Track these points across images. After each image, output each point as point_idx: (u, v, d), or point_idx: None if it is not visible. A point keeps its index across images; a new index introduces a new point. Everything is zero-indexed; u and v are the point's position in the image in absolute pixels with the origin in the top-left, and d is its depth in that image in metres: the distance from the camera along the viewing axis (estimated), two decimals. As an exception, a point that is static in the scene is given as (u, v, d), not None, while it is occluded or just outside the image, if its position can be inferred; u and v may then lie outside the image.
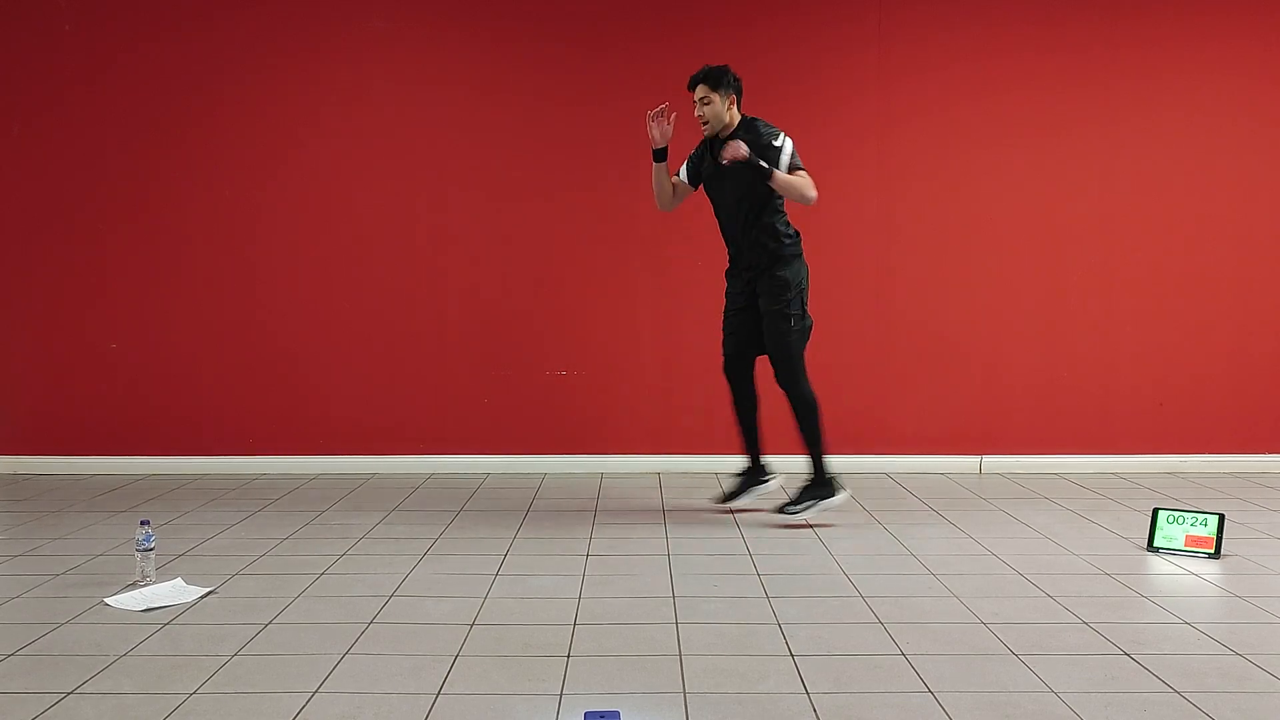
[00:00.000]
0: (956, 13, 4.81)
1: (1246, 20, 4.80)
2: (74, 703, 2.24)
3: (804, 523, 3.80)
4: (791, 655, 2.50)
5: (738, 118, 3.77)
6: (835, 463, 4.87)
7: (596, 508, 4.15)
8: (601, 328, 4.91)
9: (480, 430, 4.91)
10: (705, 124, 3.76)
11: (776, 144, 3.67)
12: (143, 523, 3.09)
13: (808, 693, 2.28)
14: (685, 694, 2.28)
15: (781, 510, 3.85)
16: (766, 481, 4.05)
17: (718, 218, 3.91)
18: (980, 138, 4.84)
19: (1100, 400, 4.92)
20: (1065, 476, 4.76)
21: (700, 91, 3.72)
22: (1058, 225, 4.87)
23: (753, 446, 4.03)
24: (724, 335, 3.97)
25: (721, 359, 3.99)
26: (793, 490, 3.91)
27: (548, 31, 4.81)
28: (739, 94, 3.78)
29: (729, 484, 4.08)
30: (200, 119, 4.82)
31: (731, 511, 4.02)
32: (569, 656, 2.50)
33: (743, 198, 3.73)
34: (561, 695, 2.27)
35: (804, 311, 3.78)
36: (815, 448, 3.83)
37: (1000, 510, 4.09)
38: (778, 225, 3.77)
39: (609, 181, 4.84)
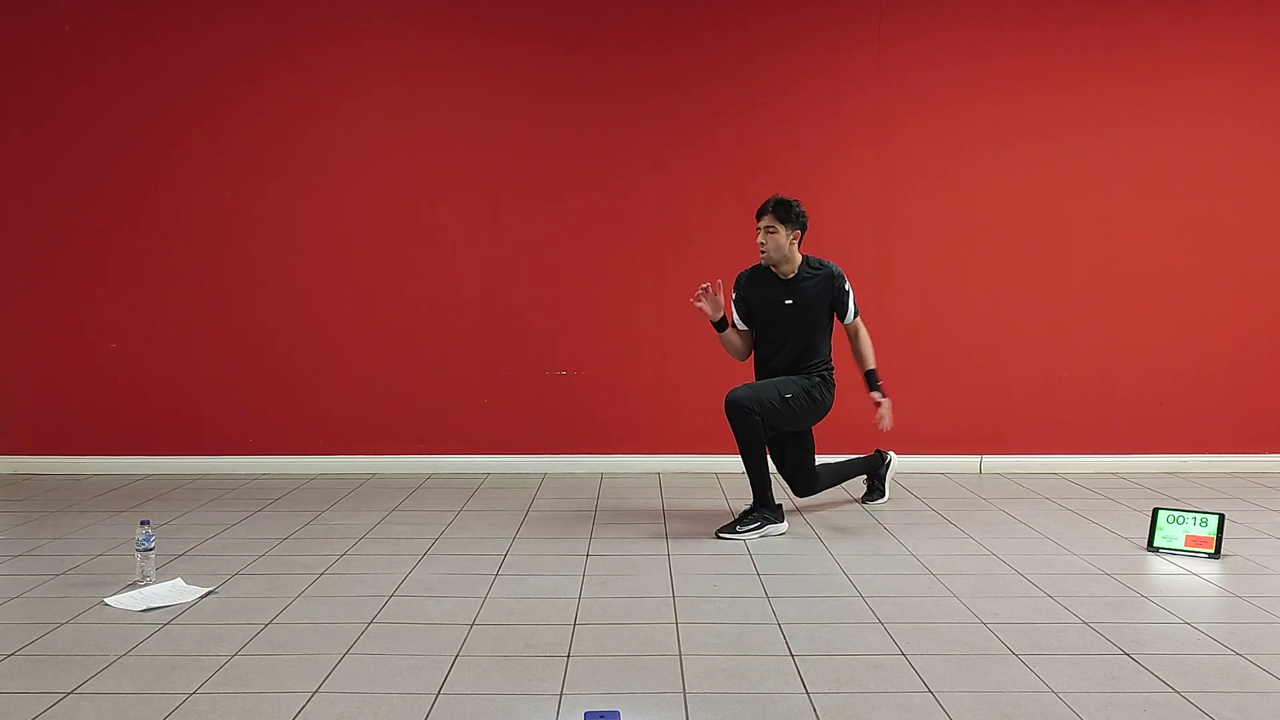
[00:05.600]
0: (956, 13, 4.81)
1: (1246, 20, 4.80)
2: (74, 703, 2.24)
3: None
4: (791, 655, 2.50)
5: (798, 257, 3.75)
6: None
7: (596, 508, 4.15)
8: (601, 328, 4.91)
9: (480, 430, 4.91)
10: (764, 253, 3.70)
11: (847, 288, 3.81)
12: (143, 523, 3.09)
13: (808, 693, 2.28)
14: (685, 694, 2.27)
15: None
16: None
17: (764, 340, 3.84)
18: (980, 138, 4.84)
19: (1100, 400, 4.92)
20: (1065, 476, 4.76)
21: (766, 221, 3.67)
22: (1058, 225, 4.87)
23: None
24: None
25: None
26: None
27: (548, 33, 4.81)
28: (803, 231, 3.73)
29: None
30: (200, 119, 4.82)
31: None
32: (569, 656, 2.50)
33: (803, 338, 3.78)
34: (561, 695, 2.27)
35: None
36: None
37: (1000, 510, 4.09)
38: (824, 351, 3.85)
39: (609, 182, 4.84)
